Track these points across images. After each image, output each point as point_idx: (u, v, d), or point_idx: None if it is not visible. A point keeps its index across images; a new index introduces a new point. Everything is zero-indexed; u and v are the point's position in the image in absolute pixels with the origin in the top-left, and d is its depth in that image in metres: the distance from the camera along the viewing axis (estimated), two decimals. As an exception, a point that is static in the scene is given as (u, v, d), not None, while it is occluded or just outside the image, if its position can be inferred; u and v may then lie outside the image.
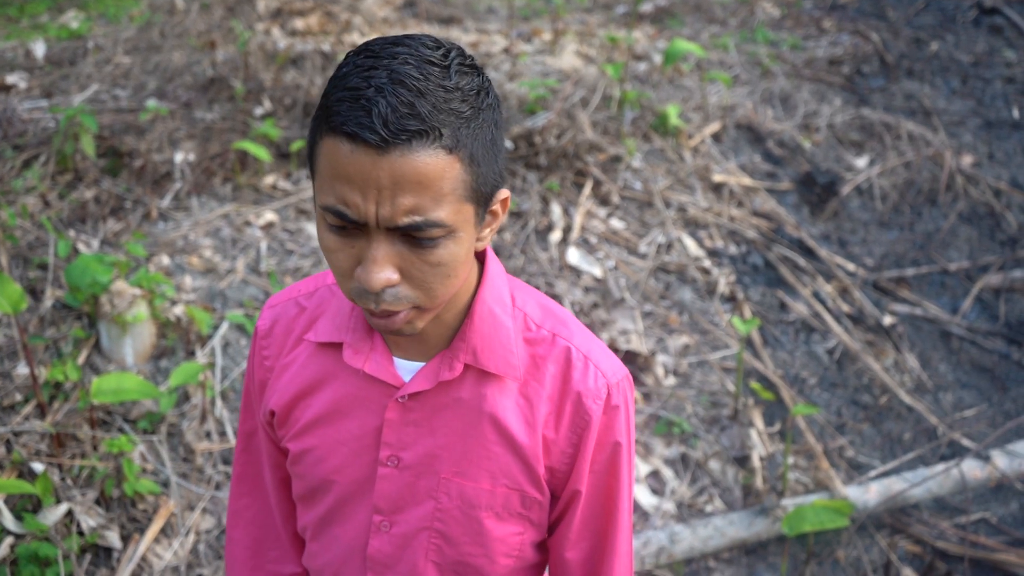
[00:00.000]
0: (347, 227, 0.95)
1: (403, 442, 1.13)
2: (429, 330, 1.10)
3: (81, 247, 3.42)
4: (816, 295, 4.05)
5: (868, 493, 3.17)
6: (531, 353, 1.12)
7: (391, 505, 1.15)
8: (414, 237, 0.94)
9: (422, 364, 1.12)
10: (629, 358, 3.47)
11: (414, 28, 5.69)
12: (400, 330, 1.01)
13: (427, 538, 1.15)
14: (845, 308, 4.01)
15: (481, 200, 0.98)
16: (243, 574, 1.35)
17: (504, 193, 1.03)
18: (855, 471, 3.40)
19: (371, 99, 0.89)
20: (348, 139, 0.90)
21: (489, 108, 0.97)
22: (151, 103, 4.27)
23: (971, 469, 3.29)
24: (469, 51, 5.12)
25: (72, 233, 3.49)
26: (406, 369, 1.13)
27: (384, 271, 0.94)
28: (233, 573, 1.37)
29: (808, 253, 4.26)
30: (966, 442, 3.56)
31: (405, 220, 0.92)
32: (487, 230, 1.05)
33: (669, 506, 3.06)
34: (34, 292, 3.20)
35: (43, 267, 3.29)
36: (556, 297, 3.60)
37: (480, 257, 1.14)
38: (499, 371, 1.09)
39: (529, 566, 1.23)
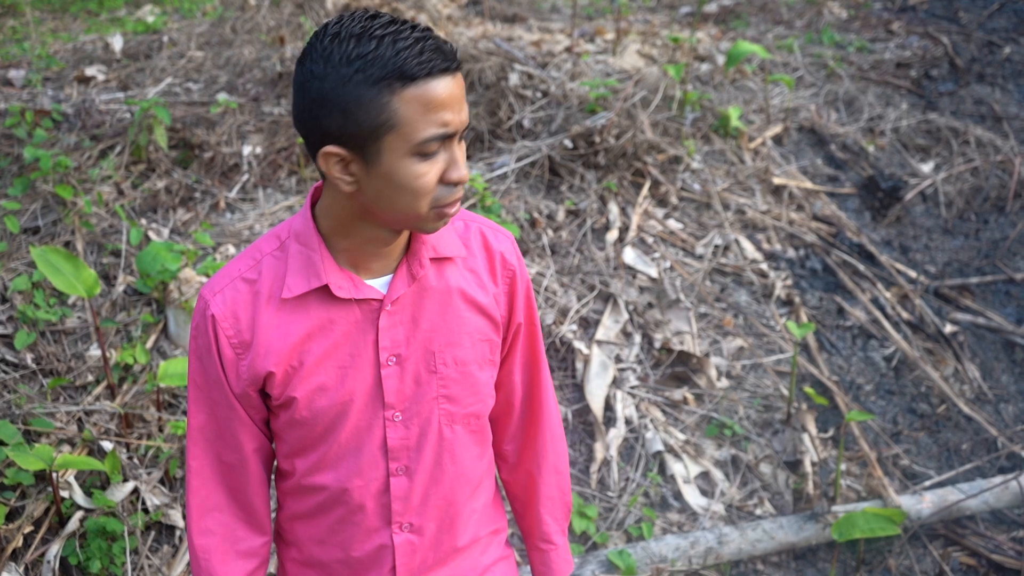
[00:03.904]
0: (434, 151, 1.23)
1: (396, 342, 1.37)
2: (386, 250, 1.35)
3: (152, 235, 3.54)
4: (875, 301, 4.01)
5: (922, 503, 3.13)
6: (458, 237, 1.43)
7: (398, 397, 1.39)
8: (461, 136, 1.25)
9: (385, 278, 1.36)
10: (682, 359, 3.48)
11: (478, 26, 5.75)
12: (453, 214, 1.29)
13: (437, 406, 1.41)
14: (905, 315, 3.96)
15: None
16: (217, 560, 1.44)
17: None
18: (909, 480, 3.36)
19: (432, 43, 1.18)
20: (439, 74, 1.19)
21: None
22: (221, 97, 4.40)
23: (1030, 483, 3.23)
24: (532, 50, 5.15)
25: (144, 221, 3.62)
26: (379, 286, 1.36)
27: (465, 165, 1.26)
28: (207, 562, 1.45)
29: (868, 259, 4.21)
30: (1026, 455, 3.49)
31: (467, 118, 1.25)
32: None
33: (718, 507, 3.07)
34: (107, 277, 3.33)
35: (116, 254, 3.42)
36: (611, 296, 3.63)
37: None
38: (454, 253, 1.40)
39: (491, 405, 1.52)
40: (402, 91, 1.17)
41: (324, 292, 1.33)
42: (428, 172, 1.23)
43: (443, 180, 1.25)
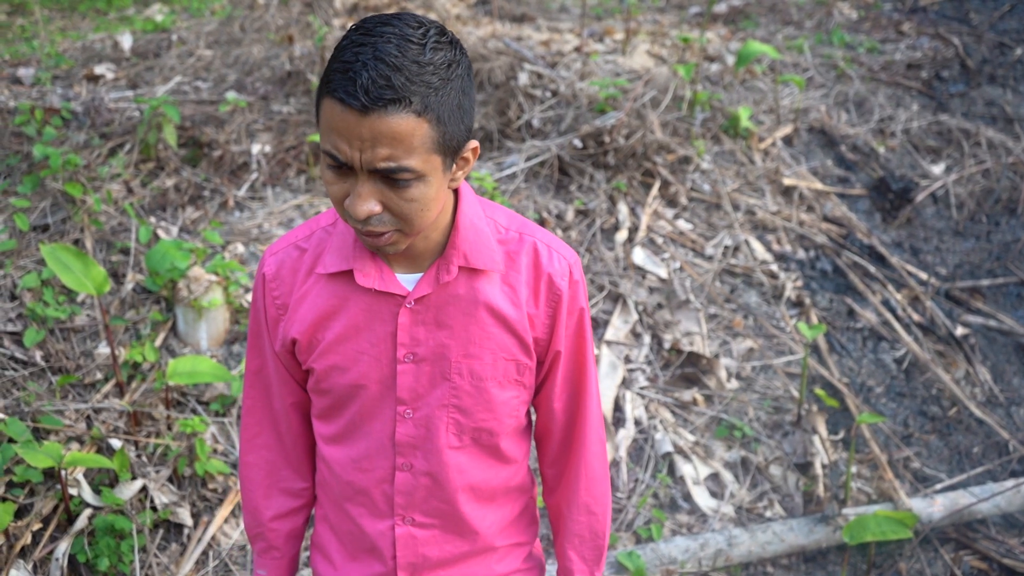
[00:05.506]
0: (340, 167, 1.20)
1: (416, 340, 1.38)
2: (420, 247, 1.35)
3: (161, 233, 3.54)
4: (886, 303, 3.98)
5: (933, 506, 3.11)
6: (505, 250, 1.40)
7: (412, 395, 1.40)
8: (391, 178, 1.19)
9: (419, 275, 1.37)
10: (692, 360, 3.47)
11: (487, 25, 5.74)
12: (384, 247, 1.27)
13: (447, 414, 1.41)
14: (915, 317, 3.93)
15: (449, 152, 1.22)
16: (260, 492, 1.56)
17: (472, 144, 1.28)
18: (920, 483, 3.34)
19: (357, 72, 1.13)
20: (339, 102, 1.15)
21: (458, 78, 1.20)
22: (230, 95, 4.40)
23: (1042, 486, 3.21)
24: (541, 49, 5.14)
25: (153, 220, 3.61)
26: (407, 281, 1.37)
27: (366, 204, 1.20)
28: (251, 493, 1.57)
29: (879, 260, 4.19)
30: (1038, 458, 3.47)
31: (381, 165, 1.17)
32: (459, 172, 1.30)
33: (728, 509, 3.05)
34: (116, 275, 3.33)
35: (125, 252, 3.41)
36: (620, 296, 3.62)
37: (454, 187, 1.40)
38: (486, 266, 1.36)
39: (523, 427, 1.52)
40: (324, 97, 1.18)
41: (354, 275, 1.37)
42: (334, 184, 1.22)
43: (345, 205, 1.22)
